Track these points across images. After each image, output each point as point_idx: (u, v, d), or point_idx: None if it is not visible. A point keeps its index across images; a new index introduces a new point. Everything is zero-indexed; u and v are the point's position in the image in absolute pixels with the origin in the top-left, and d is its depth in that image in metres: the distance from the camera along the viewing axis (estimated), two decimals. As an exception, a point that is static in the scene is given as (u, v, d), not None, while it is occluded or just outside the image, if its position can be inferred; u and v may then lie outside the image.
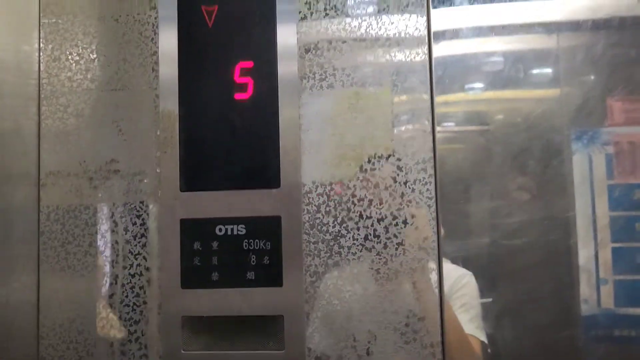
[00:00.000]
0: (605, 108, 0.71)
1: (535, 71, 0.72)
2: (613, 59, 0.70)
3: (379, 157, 0.63)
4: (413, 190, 0.62)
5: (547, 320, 0.65)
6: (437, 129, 0.63)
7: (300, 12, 0.65)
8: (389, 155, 0.63)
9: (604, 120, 0.70)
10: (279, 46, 0.64)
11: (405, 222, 0.62)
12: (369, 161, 0.63)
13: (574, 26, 0.71)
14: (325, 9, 0.65)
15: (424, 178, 0.62)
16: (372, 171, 0.63)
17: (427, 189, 0.62)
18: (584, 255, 0.67)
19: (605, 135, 0.71)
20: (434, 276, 0.61)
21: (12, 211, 0.63)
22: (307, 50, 0.65)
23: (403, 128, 0.63)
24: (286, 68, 0.64)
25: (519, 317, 0.65)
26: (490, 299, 0.65)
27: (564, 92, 0.71)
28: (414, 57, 0.63)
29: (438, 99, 0.63)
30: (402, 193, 0.62)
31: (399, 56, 0.63)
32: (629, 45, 0.70)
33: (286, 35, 0.64)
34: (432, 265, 0.61)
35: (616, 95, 0.71)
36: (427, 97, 0.63)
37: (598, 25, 0.71)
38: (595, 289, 0.67)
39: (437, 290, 0.61)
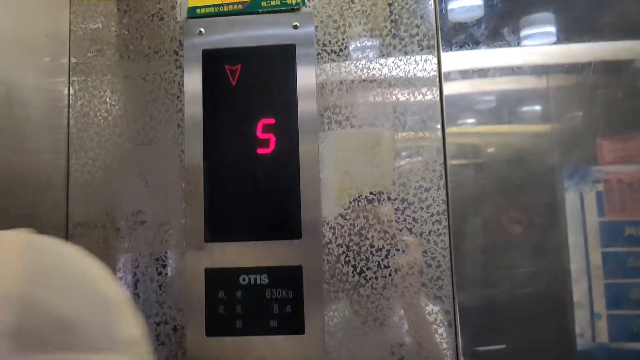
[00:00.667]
0: (595, 147, 0.75)
1: (526, 109, 0.76)
2: (601, 100, 0.74)
3: (391, 199, 0.66)
4: (429, 241, 0.66)
5: (543, 350, 0.68)
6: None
7: (317, 56, 0.69)
8: (405, 203, 0.66)
9: (594, 159, 0.74)
10: (299, 100, 0.68)
11: (421, 272, 0.65)
12: (379, 201, 0.66)
13: (564, 69, 0.75)
14: (339, 52, 0.69)
15: (438, 229, 0.66)
16: (389, 223, 0.66)
17: (442, 240, 0.65)
18: (579, 290, 0.69)
19: (596, 174, 0.74)
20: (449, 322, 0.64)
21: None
22: (324, 96, 0.68)
23: (418, 172, 0.67)
24: (307, 126, 0.67)
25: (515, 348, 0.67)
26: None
27: (555, 131, 0.74)
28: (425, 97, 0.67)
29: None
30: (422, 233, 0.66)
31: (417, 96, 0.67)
32: (615, 87, 0.74)
33: (306, 90, 0.68)
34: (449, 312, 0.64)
35: (605, 134, 0.74)
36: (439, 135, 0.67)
37: (587, 69, 0.75)
38: (590, 324, 0.69)
39: (453, 341, 0.64)
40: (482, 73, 0.71)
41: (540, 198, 0.71)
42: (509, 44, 0.72)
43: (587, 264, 0.70)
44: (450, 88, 0.69)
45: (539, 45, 0.75)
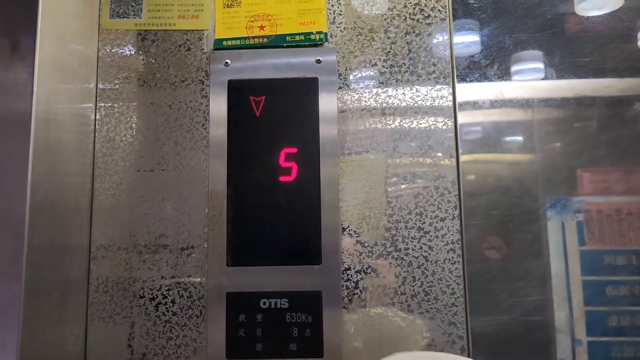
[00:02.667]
0: (576, 178, 0.78)
1: (513, 138, 0.80)
2: (582, 133, 0.78)
3: (409, 228, 0.69)
4: (443, 269, 0.69)
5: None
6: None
7: (338, 89, 0.72)
8: (422, 232, 0.69)
9: (575, 190, 0.77)
10: (321, 131, 0.71)
11: (436, 298, 0.68)
12: (403, 240, 0.69)
13: (548, 102, 0.79)
14: (359, 85, 0.72)
15: (452, 258, 0.69)
16: (405, 250, 0.69)
17: (456, 268, 0.68)
18: (560, 316, 0.72)
19: (577, 204, 0.77)
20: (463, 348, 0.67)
21: (69, 281, 0.67)
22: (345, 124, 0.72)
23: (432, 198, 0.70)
24: (328, 157, 0.70)
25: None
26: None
27: (539, 161, 0.78)
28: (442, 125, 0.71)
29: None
30: (433, 271, 0.69)
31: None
32: (596, 121, 0.78)
33: (327, 121, 0.71)
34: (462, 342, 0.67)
35: (585, 166, 0.78)
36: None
37: (569, 103, 0.79)
38: (571, 350, 0.72)
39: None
40: (476, 105, 0.75)
41: (524, 227, 0.75)
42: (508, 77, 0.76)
43: (569, 292, 0.73)
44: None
45: (526, 80, 0.80)
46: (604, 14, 0.85)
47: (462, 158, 0.72)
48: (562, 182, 0.76)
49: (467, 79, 0.75)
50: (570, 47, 0.81)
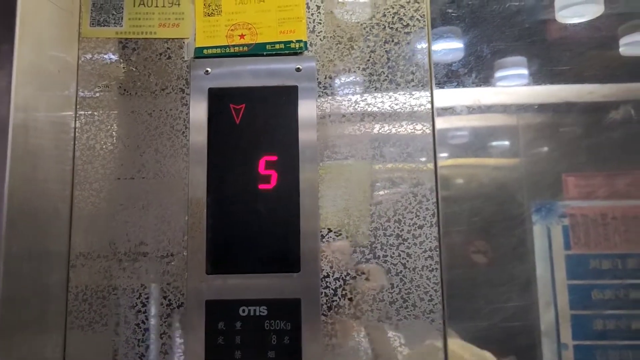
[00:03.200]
0: (561, 182, 0.79)
1: (496, 144, 0.81)
2: (566, 138, 0.79)
3: (387, 235, 0.70)
4: (421, 276, 0.69)
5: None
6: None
7: (317, 97, 0.72)
8: (400, 239, 0.70)
9: (560, 194, 0.78)
10: (300, 139, 0.71)
11: (414, 305, 0.69)
12: (382, 248, 0.70)
13: (531, 108, 0.80)
14: (338, 93, 0.73)
15: (430, 265, 0.69)
16: (384, 257, 0.70)
17: (434, 275, 0.69)
18: (546, 321, 0.73)
19: (562, 208, 0.78)
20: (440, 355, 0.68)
21: (48, 289, 0.67)
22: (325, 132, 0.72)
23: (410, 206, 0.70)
24: (307, 164, 0.71)
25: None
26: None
27: (523, 166, 0.79)
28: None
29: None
30: (411, 279, 0.69)
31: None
32: (580, 126, 0.79)
33: (307, 129, 0.71)
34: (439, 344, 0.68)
35: (570, 171, 0.79)
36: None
37: (553, 109, 0.80)
38: (556, 354, 0.72)
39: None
40: (455, 110, 0.76)
41: (510, 232, 0.75)
42: (485, 84, 0.77)
43: (554, 296, 0.74)
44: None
45: (511, 86, 0.80)
46: (585, 22, 0.86)
47: (447, 162, 0.73)
48: (547, 187, 0.77)
49: (446, 86, 0.76)
50: (550, 55, 0.82)
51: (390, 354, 0.68)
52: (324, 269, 0.69)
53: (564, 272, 0.75)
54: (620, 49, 0.85)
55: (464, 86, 0.75)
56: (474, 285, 0.73)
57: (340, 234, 0.70)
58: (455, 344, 0.68)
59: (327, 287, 0.69)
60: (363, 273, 0.69)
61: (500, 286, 0.73)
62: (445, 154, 0.75)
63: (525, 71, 0.81)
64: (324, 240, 0.70)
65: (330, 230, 0.70)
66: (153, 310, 0.70)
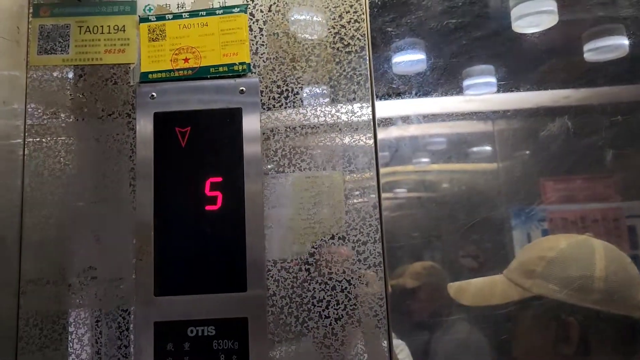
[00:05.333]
0: (539, 187, 0.80)
1: (474, 150, 0.82)
2: (543, 143, 0.80)
3: (328, 244, 0.71)
4: (366, 292, 0.70)
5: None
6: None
7: (261, 119, 0.74)
8: (344, 256, 0.71)
9: (539, 198, 0.79)
10: (245, 159, 0.72)
11: (359, 321, 0.70)
12: (326, 264, 0.71)
13: (505, 115, 0.82)
14: (283, 100, 0.74)
15: (375, 282, 0.70)
16: (329, 275, 0.71)
17: (379, 291, 0.70)
18: None
19: (541, 213, 0.79)
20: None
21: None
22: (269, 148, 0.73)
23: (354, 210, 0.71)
24: (252, 183, 0.72)
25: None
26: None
27: (501, 171, 0.80)
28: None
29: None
30: (356, 295, 0.70)
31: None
32: (556, 131, 0.81)
33: (251, 150, 0.73)
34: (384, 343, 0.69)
35: (547, 175, 0.80)
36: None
37: (528, 114, 0.82)
38: None
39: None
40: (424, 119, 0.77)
41: (490, 237, 0.76)
42: (448, 94, 0.79)
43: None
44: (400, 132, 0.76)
45: (482, 94, 0.82)
46: (542, 31, 0.88)
47: (429, 167, 0.75)
48: (525, 192, 0.78)
49: (393, 98, 0.77)
50: (501, 65, 0.83)
51: None
52: (270, 288, 0.70)
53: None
54: (585, 55, 0.86)
55: (403, 99, 0.77)
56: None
57: (286, 253, 0.71)
58: None
59: (273, 305, 0.70)
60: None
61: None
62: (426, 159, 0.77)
63: (494, 78, 0.83)
64: (269, 259, 0.71)
65: (276, 249, 0.71)
66: (103, 333, 0.71)
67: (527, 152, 0.81)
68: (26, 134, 0.75)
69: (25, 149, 0.75)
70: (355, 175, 0.73)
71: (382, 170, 0.73)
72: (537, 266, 0.73)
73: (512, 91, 0.82)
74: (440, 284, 0.78)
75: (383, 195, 0.72)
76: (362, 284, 0.70)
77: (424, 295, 0.78)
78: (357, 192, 0.72)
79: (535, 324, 0.73)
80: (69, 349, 0.70)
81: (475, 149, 0.82)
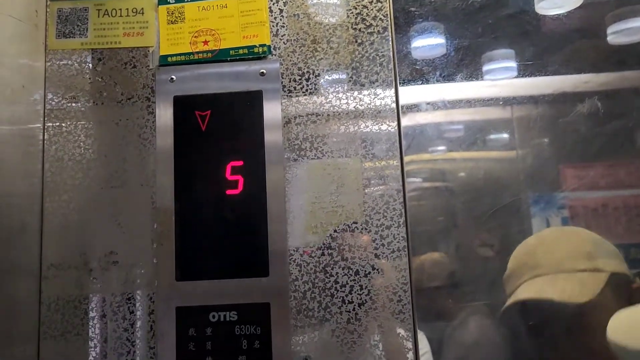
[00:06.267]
0: (559, 174, 0.79)
1: (493, 137, 0.81)
2: (562, 129, 0.78)
3: (351, 229, 0.70)
4: (390, 277, 0.69)
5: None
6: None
7: (282, 101, 0.72)
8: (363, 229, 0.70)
9: (558, 186, 0.78)
10: (266, 142, 0.71)
11: (383, 306, 0.68)
12: (349, 248, 0.70)
13: (526, 100, 0.80)
14: (304, 83, 0.73)
15: (399, 265, 0.69)
16: (352, 259, 0.69)
17: (403, 276, 0.69)
18: None
19: (561, 200, 0.77)
20: (410, 355, 0.68)
21: (16, 303, 0.67)
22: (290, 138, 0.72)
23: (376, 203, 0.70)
24: (273, 168, 0.71)
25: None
26: None
27: (520, 158, 0.78)
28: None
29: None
30: (380, 279, 0.69)
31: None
32: (575, 117, 0.79)
33: (272, 134, 0.72)
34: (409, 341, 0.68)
35: (568, 162, 0.79)
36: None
37: (547, 100, 0.80)
38: None
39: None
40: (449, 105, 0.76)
41: (509, 224, 0.75)
42: (470, 78, 0.77)
43: None
44: (416, 119, 0.74)
45: (501, 79, 0.80)
46: (566, 12, 0.86)
47: (447, 155, 0.73)
48: (545, 179, 0.77)
49: (412, 83, 0.76)
50: (523, 48, 0.81)
51: (361, 355, 0.68)
52: (292, 273, 0.70)
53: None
54: (608, 38, 0.84)
55: (429, 83, 0.75)
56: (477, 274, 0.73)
57: (308, 237, 0.70)
58: None
59: (295, 290, 0.69)
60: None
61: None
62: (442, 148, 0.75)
63: (515, 63, 0.81)
64: (291, 244, 0.70)
65: (298, 234, 0.70)
66: (125, 318, 0.70)
67: (546, 139, 0.80)
68: (45, 119, 0.74)
69: (45, 133, 0.74)
70: (378, 160, 0.71)
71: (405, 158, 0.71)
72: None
73: (535, 75, 0.80)
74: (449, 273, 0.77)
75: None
76: (386, 268, 0.69)
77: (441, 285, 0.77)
78: (380, 176, 0.71)
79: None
80: (90, 334, 0.70)
81: (492, 136, 0.81)
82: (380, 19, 0.74)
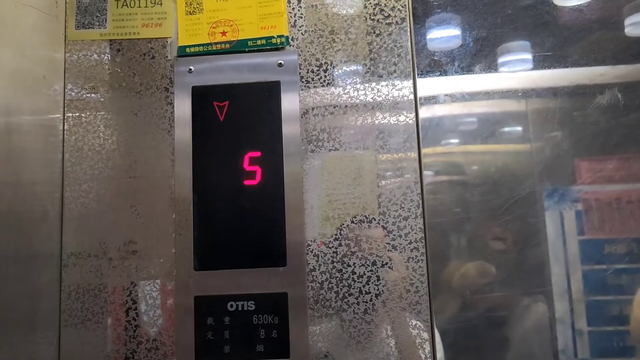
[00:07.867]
0: (574, 167, 0.78)
1: (507, 129, 0.80)
2: (577, 122, 0.78)
3: (367, 221, 0.70)
4: (407, 267, 0.69)
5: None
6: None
7: (300, 92, 0.72)
8: (385, 231, 0.70)
9: (572, 179, 0.77)
10: (284, 133, 0.71)
11: (400, 297, 0.69)
12: (366, 239, 0.70)
13: (542, 92, 0.79)
14: (322, 74, 0.73)
15: (416, 256, 0.69)
16: (369, 250, 0.70)
17: (420, 266, 0.69)
18: (560, 307, 0.72)
19: (575, 194, 0.77)
20: (427, 346, 0.68)
21: (38, 291, 0.68)
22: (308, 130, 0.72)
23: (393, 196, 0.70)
24: (291, 159, 0.71)
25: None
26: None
27: (534, 151, 0.78)
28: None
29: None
30: (398, 270, 0.69)
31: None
32: (591, 109, 0.78)
33: (290, 125, 0.72)
34: (426, 336, 0.68)
35: (582, 155, 0.78)
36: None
37: (562, 92, 0.79)
38: (571, 340, 0.72)
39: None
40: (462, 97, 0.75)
41: (522, 218, 0.75)
42: (487, 70, 0.77)
43: (568, 282, 0.73)
44: (432, 111, 0.74)
45: (517, 71, 0.80)
46: (585, 3, 0.85)
47: (460, 149, 0.73)
48: (559, 172, 0.77)
49: (430, 74, 0.75)
50: (542, 39, 0.80)
51: (377, 345, 0.68)
52: (310, 263, 0.70)
53: (577, 258, 0.74)
54: (626, 30, 0.83)
55: (446, 75, 0.75)
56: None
57: (326, 228, 0.70)
58: None
59: (313, 280, 0.70)
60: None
61: (514, 275, 0.73)
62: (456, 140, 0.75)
63: (530, 55, 0.80)
64: (309, 234, 0.70)
65: (315, 224, 0.70)
66: (143, 307, 0.71)
67: (562, 132, 0.79)
68: (65, 109, 0.75)
69: (65, 123, 0.75)
70: (395, 151, 0.71)
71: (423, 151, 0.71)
72: None
73: (552, 68, 0.80)
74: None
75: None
76: (402, 259, 0.69)
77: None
78: (398, 168, 0.71)
79: None
80: (110, 322, 0.71)
81: (506, 128, 0.80)
82: (398, 9, 0.74)
